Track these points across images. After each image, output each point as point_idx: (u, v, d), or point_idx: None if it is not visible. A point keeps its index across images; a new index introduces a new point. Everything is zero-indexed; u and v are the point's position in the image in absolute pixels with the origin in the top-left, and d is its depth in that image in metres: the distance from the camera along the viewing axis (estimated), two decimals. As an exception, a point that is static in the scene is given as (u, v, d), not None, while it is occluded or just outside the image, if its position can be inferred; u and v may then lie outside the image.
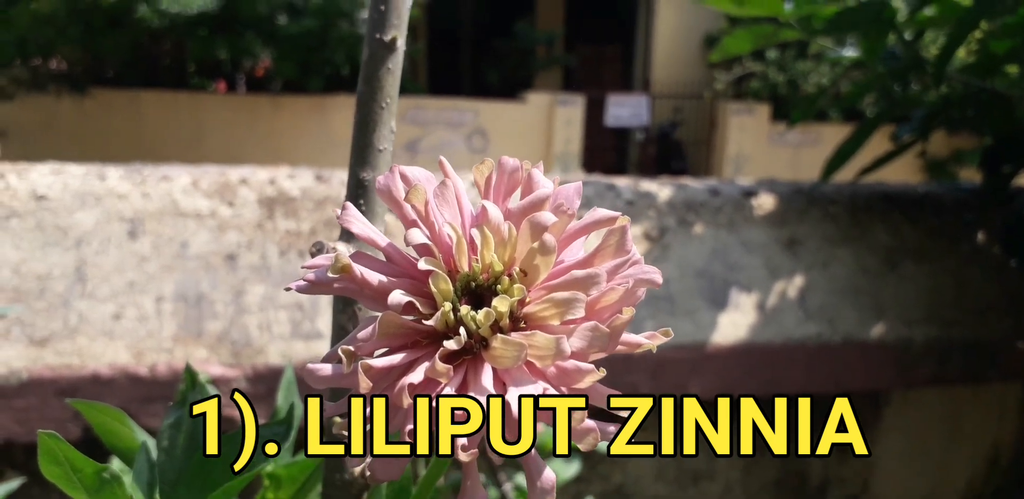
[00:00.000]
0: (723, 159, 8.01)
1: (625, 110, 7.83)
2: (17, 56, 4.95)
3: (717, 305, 1.05)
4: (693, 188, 1.14)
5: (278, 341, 0.90)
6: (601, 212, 0.29)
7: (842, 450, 1.19)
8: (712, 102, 8.14)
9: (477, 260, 0.29)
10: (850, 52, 1.36)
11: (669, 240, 1.06)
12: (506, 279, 0.28)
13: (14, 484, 0.68)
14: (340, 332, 0.38)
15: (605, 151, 8.68)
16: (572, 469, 0.90)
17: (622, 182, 1.13)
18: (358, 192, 0.39)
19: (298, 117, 6.32)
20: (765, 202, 1.13)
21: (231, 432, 0.37)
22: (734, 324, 1.04)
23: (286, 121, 6.33)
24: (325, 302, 0.92)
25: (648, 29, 8.96)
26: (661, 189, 1.12)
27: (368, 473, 0.28)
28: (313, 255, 0.34)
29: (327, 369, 0.28)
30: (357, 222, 0.30)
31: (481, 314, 0.27)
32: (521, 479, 0.85)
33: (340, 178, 1.01)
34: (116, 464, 0.67)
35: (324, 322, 0.92)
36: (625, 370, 0.98)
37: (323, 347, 0.91)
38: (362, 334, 0.27)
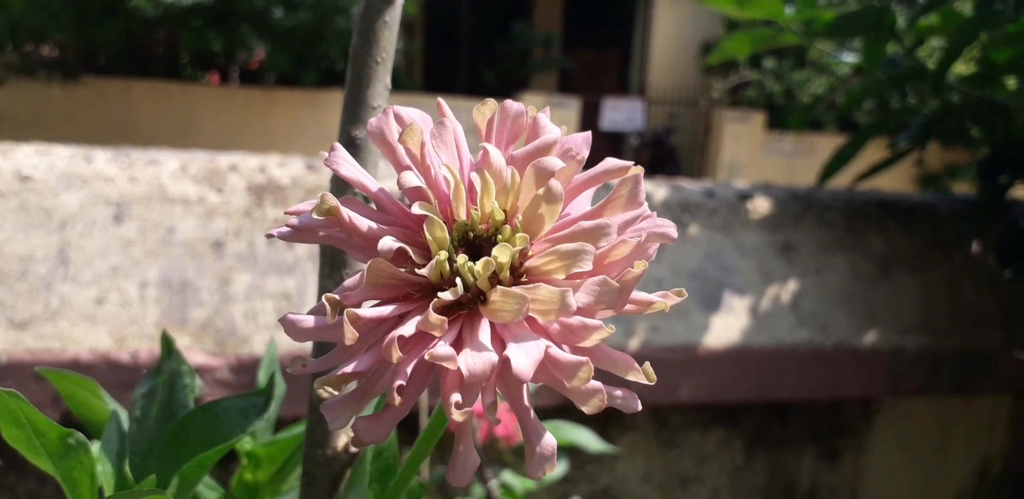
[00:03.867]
0: (717, 166, 8.02)
1: (620, 114, 7.83)
2: (9, 41, 4.91)
3: (710, 307, 1.04)
4: (689, 189, 1.13)
5: (263, 331, 0.88)
6: (612, 161, 0.27)
7: (831, 458, 1.18)
8: (707, 109, 8.15)
9: (476, 208, 0.26)
10: (849, 57, 1.36)
11: (663, 240, 1.05)
12: (507, 228, 0.26)
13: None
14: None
15: (599, 154, 8.66)
16: (558, 469, 0.89)
17: (616, 181, 1.12)
18: (349, 151, 0.36)
19: (291, 111, 6.29)
20: (760, 206, 1.12)
21: (208, 402, 0.35)
22: (726, 327, 1.03)
23: (279, 114, 6.30)
24: (312, 292, 0.91)
25: (645, 35, 8.97)
26: (656, 189, 1.11)
27: (353, 437, 0.26)
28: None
29: (309, 320, 0.25)
30: (346, 164, 0.27)
31: (479, 264, 0.24)
32: (507, 476, 0.84)
33: (333, 168, 0.99)
34: (94, 446, 0.65)
35: (311, 313, 0.90)
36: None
37: (309, 339, 0.89)
38: (349, 282, 0.25)
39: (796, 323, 1.07)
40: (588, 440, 0.85)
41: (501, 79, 8.47)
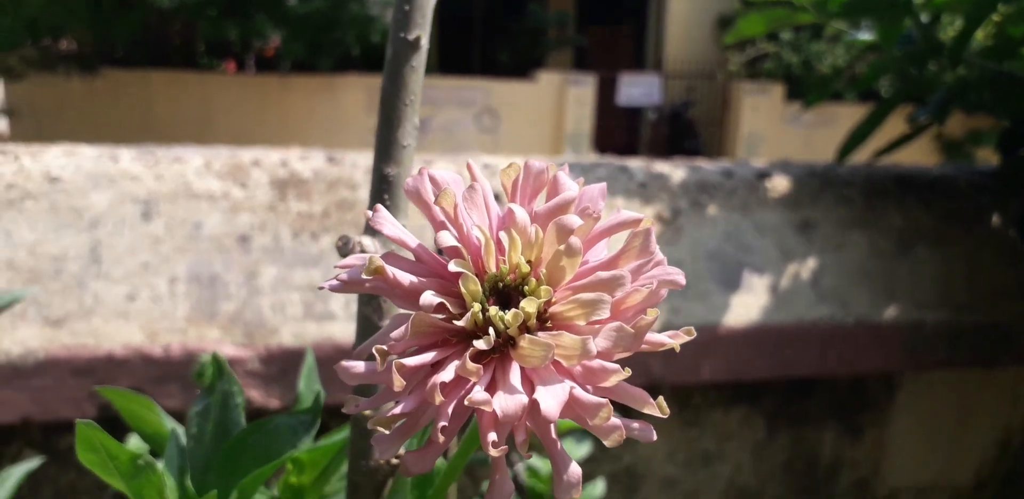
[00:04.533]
0: (736, 139, 7.97)
1: (637, 89, 7.78)
2: (28, 36, 4.95)
3: (730, 287, 1.05)
4: (706, 170, 1.13)
5: (291, 322, 0.90)
6: (625, 214, 0.30)
7: (853, 432, 1.19)
8: (725, 82, 8.09)
9: (504, 261, 0.29)
10: (865, 35, 1.35)
11: (682, 222, 1.06)
12: (533, 280, 0.29)
13: (34, 463, 0.69)
14: (365, 322, 0.39)
15: (616, 131, 8.65)
16: (583, 450, 0.91)
17: (635, 164, 1.13)
18: (382, 187, 0.39)
19: (308, 97, 6.32)
20: (779, 184, 1.13)
21: (259, 419, 0.38)
22: (746, 306, 1.04)
23: (295, 101, 6.32)
24: (338, 284, 0.92)
25: (660, 9, 8.89)
26: (674, 171, 1.11)
27: (400, 465, 0.29)
28: (339, 248, 0.36)
29: (360, 366, 0.29)
30: (388, 224, 0.31)
31: (510, 315, 0.28)
32: (533, 461, 0.86)
33: (352, 160, 1.01)
34: (133, 442, 0.68)
35: (336, 303, 0.92)
36: (639, 351, 0.98)
37: (335, 328, 0.91)
38: (395, 333, 0.28)
39: (816, 300, 1.07)
40: (612, 422, 0.86)
41: (516, 58, 8.43)
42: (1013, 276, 1.16)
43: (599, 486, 0.93)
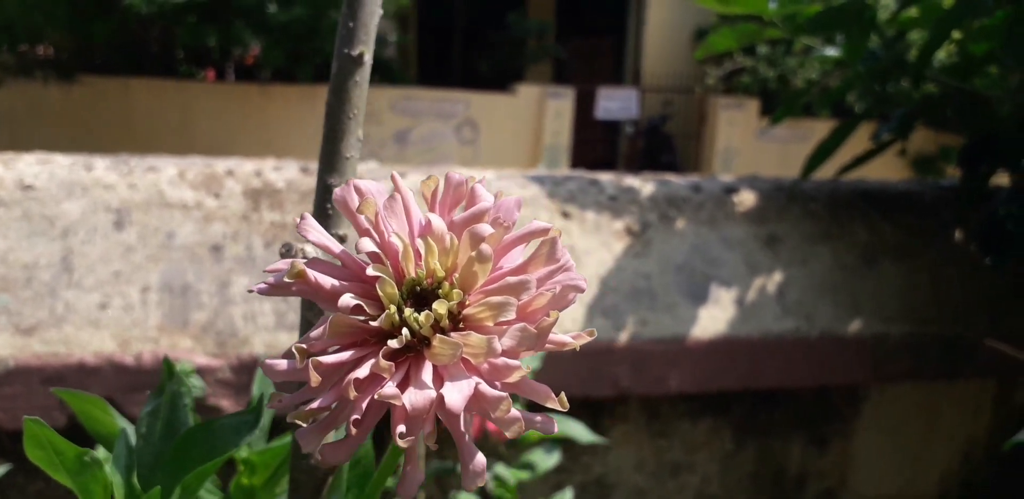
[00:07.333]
0: (712, 153, 8.03)
1: (615, 103, 7.84)
2: (4, 42, 4.92)
3: (697, 300, 1.06)
4: (675, 184, 1.15)
5: (263, 332, 0.91)
6: (535, 224, 0.32)
7: (819, 443, 1.21)
8: (702, 96, 8.16)
9: (422, 266, 0.31)
10: (833, 51, 1.38)
11: (651, 235, 1.08)
12: (447, 284, 0.31)
13: (1, 470, 0.69)
14: (307, 327, 0.41)
15: (594, 144, 8.70)
16: (552, 459, 0.92)
17: (605, 177, 1.15)
18: (326, 197, 0.41)
19: (288, 106, 6.31)
20: (746, 199, 1.15)
21: (206, 420, 0.39)
22: (713, 318, 1.06)
23: (276, 110, 6.31)
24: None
25: (639, 22, 8.96)
26: (644, 185, 1.13)
27: (321, 459, 0.31)
28: (283, 255, 0.37)
29: (283, 364, 0.31)
30: (313, 231, 0.33)
31: (422, 315, 0.30)
32: (499, 469, 0.87)
33: (326, 171, 1.02)
34: (101, 452, 0.68)
35: (308, 313, 0.93)
36: (607, 363, 1.00)
37: (307, 338, 0.92)
38: (315, 333, 0.30)
39: (782, 313, 1.09)
40: (579, 432, 0.88)
41: (496, 69, 8.47)
42: (974, 289, 1.19)
43: (568, 496, 0.94)
